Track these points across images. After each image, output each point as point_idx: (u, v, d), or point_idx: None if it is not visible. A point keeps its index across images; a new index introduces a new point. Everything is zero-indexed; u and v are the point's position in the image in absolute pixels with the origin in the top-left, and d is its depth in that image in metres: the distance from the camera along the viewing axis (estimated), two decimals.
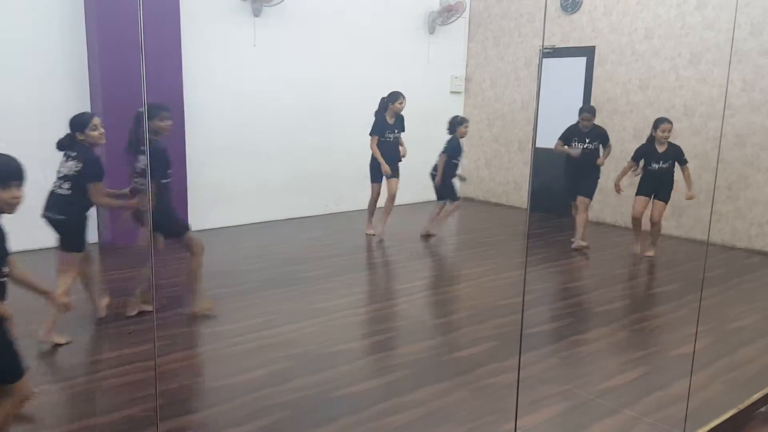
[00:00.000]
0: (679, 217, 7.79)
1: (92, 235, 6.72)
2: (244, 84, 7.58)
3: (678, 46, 7.65)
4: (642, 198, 6.66)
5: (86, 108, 6.58)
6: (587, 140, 6.97)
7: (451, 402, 3.53)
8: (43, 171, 4.64)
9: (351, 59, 8.53)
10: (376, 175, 7.18)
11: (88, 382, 3.70)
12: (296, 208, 8.32)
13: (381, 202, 7.30)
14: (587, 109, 7.10)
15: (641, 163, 6.66)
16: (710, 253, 7.10)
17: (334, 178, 8.58)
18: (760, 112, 7.03)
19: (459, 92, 10.08)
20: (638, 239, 6.86)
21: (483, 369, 3.95)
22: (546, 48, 9.05)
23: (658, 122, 6.54)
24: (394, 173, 7.18)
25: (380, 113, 7.13)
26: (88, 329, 4.51)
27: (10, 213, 2.68)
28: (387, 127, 7.12)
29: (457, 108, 10.11)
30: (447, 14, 9.25)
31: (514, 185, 9.67)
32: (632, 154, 6.75)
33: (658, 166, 6.51)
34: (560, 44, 8.83)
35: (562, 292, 5.67)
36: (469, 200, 10.19)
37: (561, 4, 8.75)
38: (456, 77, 9.96)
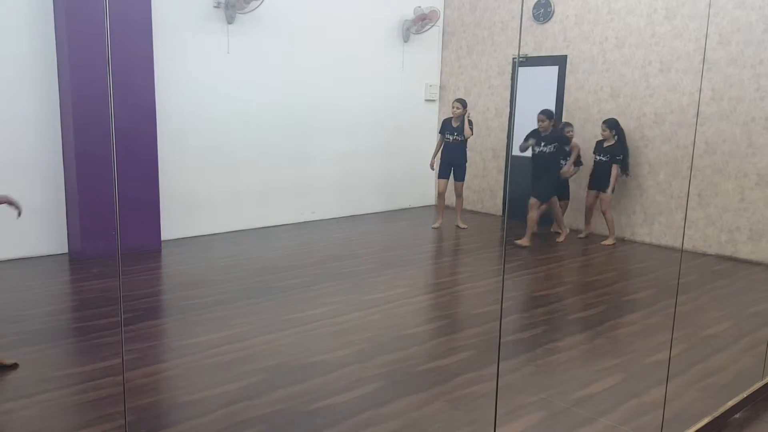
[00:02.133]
0: (651, 224, 7.88)
1: (62, 245, 6.62)
2: (218, 92, 7.52)
3: (648, 55, 7.76)
4: (593, 192, 7.85)
5: (56, 116, 6.47)
6: (543, 143, 7.46)
7: (429, 413, 3.50)
8: None
9: (325, 67, 8.50)
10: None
11: (56, 398, 3.61)
12: (271, 216, 8.26)
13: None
14: (542, 112, 7.48)
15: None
16: (682, 260, 7.19)
17: (310, 186, 8.54)
18: (729, 120, 7.14)
19: (434, 100, 10.10)
20: (586, 226, 8.12)
21: (460, 379, 3.93)
22: (519, 57, 9.11)
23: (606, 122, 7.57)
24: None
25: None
26: (58, 342, 4.41)
27: None
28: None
29: (432, 116, 10.15)
30: (421, 23, 9.28)
31: (489, 193, 9.71)
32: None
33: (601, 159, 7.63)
34: (533, 53, 8.90)
35: (538, 299, 5.68)
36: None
37: (533, 14, 8.82)
38: (430, 85, 9.99)
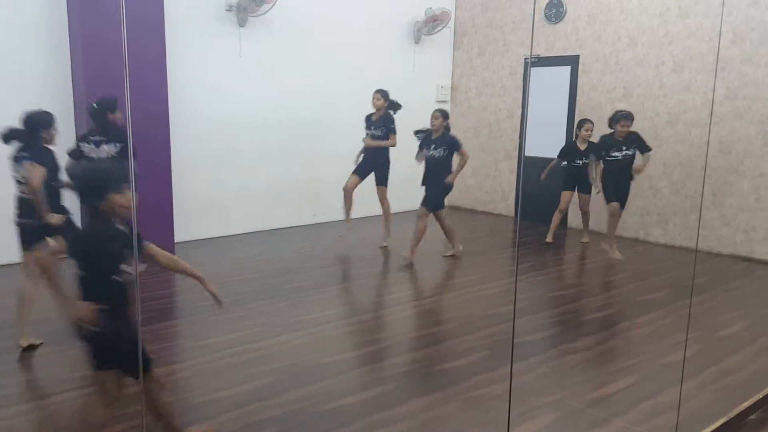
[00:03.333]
0: (665, 224, 7.83)
1: None
2: (230, 94, 7.55)
3: (661, 55, 7.71)
4: (568, 192, 7.64)
5: (71, 116, 6.53)
6: (433, 146, 6.69)
7: (442, 414, 3.50)
8: None
9: (336, 69, 8.52)
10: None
11: (74, 398, 3.64)
12: (283, 218, 8.28)
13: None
14: (437, 110, 6.85)
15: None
16: (696, 261, 7.14)
17: (321, 187, 8.55)
18: (744, 119, 7.09)
19: (445, 101, 10.09)
20: (553, 228, 7.75)
21: (473, 380, 3.93)
22: (531, 57, 9.09)
23: (581, 123, 7.47)
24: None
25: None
26: (74, 343, 4.44)
27: (125, 217, 2.72)
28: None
29: None
30: (432, 24, 9.28)
31: (501, 193, 9.69)
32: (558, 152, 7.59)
33: (582, 162, 7.40)
34: (545, 53, 8.88)
35: (551, 300, 5.66)
36: (456, 209, 10.19)
37: (545, 14, 8.80)
38: (442, 86, 9.98)
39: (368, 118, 7.34)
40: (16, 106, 6.18)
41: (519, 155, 9.28)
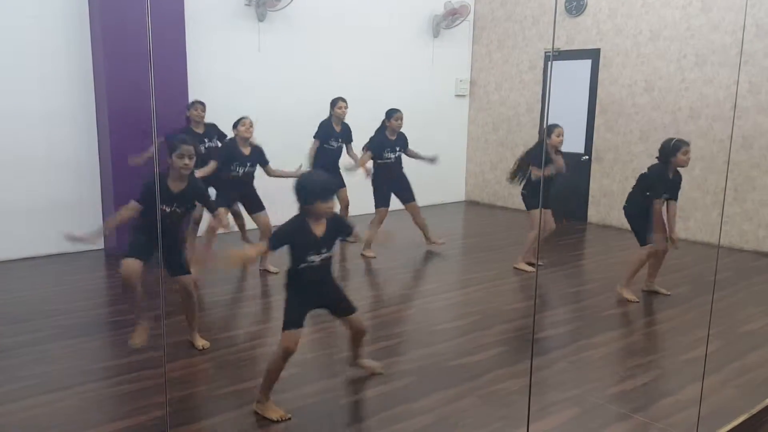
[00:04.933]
0: (687, 220, 7.75)
1: (98, 242, 6.73)
2: (249, 89, 7.58)
3: (683, 48, 7.63)
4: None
5: (91, 112, 6.60)
6: (389, 149, 6.65)
7: (460, 408, 3.50)
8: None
9: (355, 63, 8.52)
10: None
11: (93, 390, 3.69)
12: (291, 214, 8.28)
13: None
14: (398, 111, 6.68)
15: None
16: (718, 256, 7.05)
17: None
18: (767, 113, 6.99)
19: (464, 95, 10.06)
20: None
21: (491, 375, 3.92)
22: (551, 51, 9.03)
23: (551, 128, 6.33)
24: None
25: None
26: (94, 336, 4.50)
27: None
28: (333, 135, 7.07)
29: (462, 111, 10.11)
30: (451, 18, 9.24)
31: (520, 188, 9.62)
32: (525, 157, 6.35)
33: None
34: (565, 47, 8.81)
35: (570, 295, 5.63)
36: (474, 203, 10.17)
37: (565, 7, 8.73)
38: (461, 80, 9.95)
39: (329, 127, 7.06)
40: (39, 102, 6.30)
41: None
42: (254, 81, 7.63)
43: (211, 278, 5.96)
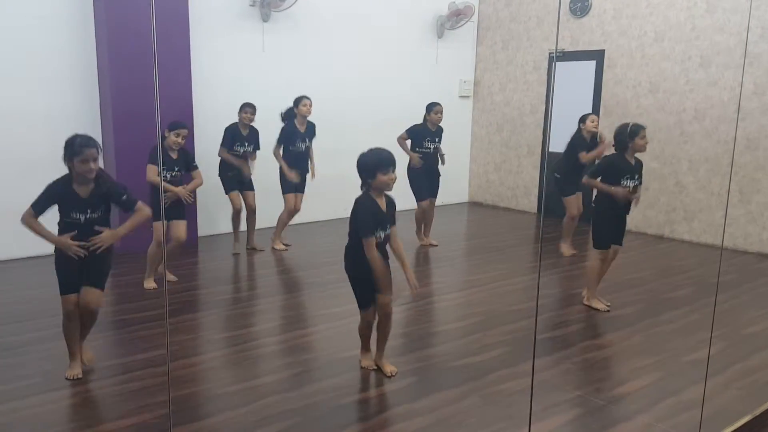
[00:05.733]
0: (691, 221, 7.74)
1: None
2: (253, 89, 7.58)
3: (688, 50, 7.62)
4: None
5: (96, 112, 6.62)
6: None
7: (463, 408, 3.50)
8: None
9: (360, 64, 8.53)
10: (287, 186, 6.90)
11: (98, 388, 3.70)
12: (306, 213, 8.30)
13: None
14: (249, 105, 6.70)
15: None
16: (722, 258, 7.04)
17: (344, 183, 8.52)
18: None
19: (468, 96, 10.06)
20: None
21: (494, 375, 3.92)
22: (556, 52, 9.02)
23: (584, 117, 6.83)
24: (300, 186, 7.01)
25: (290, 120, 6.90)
26: (98, 335, 4.51)
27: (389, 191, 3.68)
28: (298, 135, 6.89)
29: (466, 112, 10.11)
30: (456, 18, 9.25)
31: (523, 189, 9.64)
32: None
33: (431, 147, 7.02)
34: (569, 48, 8.81)
35: (573, 297, 5.63)
36: (478, 204, 10.17)
37: (570, 8, 8.72)
38: (465, 81, 9.95)
39: (423, 130, 7.04)
40: (43, 103, 6.32)
41: (543, 151, 9.22)
42: (258, 81, 7.64)
43: (211, 278, 5.99)
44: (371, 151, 3.62)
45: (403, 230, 7.41)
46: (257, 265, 6.22)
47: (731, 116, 7.30)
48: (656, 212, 8.01)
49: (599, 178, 4.99)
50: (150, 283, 5.46)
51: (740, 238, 7.34)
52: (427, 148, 7.01)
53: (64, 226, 3.70)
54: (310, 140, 7.00)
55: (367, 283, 3.70)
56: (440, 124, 7.08)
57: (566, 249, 6.96)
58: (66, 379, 3.73)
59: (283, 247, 7.04)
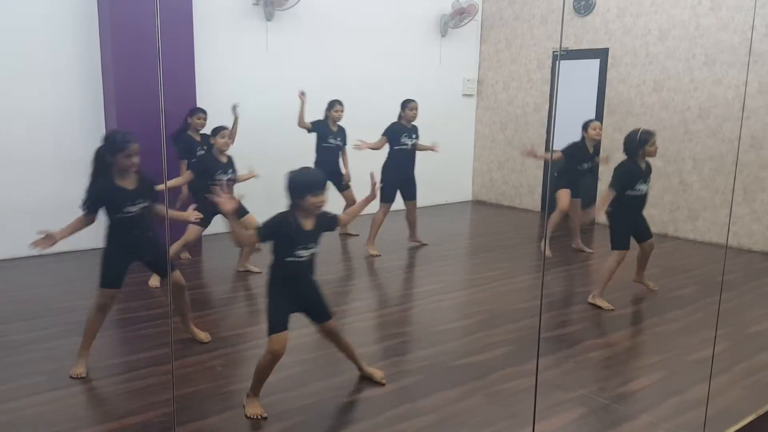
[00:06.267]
0: (695, 220, 7.72)
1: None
2: (257, 88, 7.59)
3: (692, 48, 7.59)
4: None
5: (99, 111, 6.63)
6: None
7: (466, 407, 3.50)
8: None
9: (363, 63, 8.53)
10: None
11: (102, 387, 3.71)
12: None
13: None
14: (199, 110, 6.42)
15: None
16: (726, 257, 7.03)
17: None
18: None
19: (471, 95, 10.05)
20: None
21: (497, 374, 3.92)
22: (560, 50, 9.01)
23: (404, 103, 6.81)
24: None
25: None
26: (102, 333, 4.52)
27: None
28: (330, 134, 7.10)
29: (469, 111, 10.10)
30: (459, 17, 9.23)
31: (527, 188, 9.63)
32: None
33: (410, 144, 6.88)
34: (573, 46, 8.79)
35: (577, 295, 5.62)
36: (481, 203, 10.16)
37: (574, 6, 8.71)
38: (468, 80, 9.94)
39: (399, 127, 6.92)
40: (48, 102, 6.33)
41: (547, 149, 9.20)
42: (262, 80, 7.65)
43: (214, 277, 5.99)
44: (302, 171, 3.38)
45: (398, 231, 7.42)
46: (259, 265, 6.21)
47: (736, 115, 7.28)
48: (660, 211, 7.99)
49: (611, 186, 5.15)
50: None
51: (745, 237, 7.32)
52: (404, 144, 6.82)
53: (116, 222, 3.85)
54: (343, 142, 7.12)
55: (286, 306, 3.39)
56: (414, 123, 6.94)
57: (548, 249, 6.84)
58: (70, 377, 3.74)
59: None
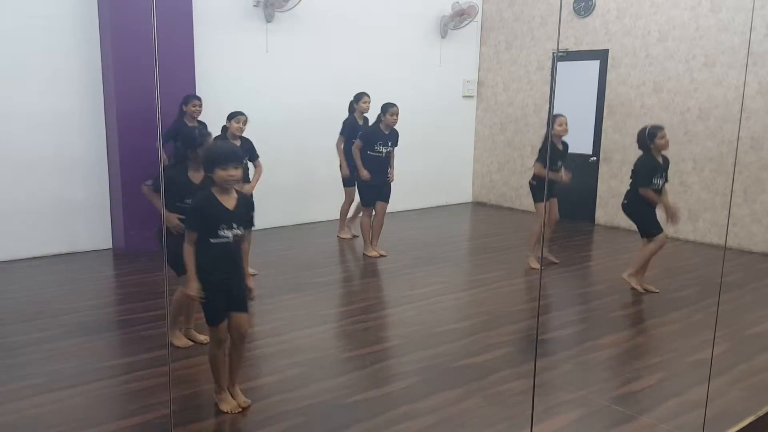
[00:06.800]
0: (695, 221, 7.72)
1: (106, 241, 6.78)
2: (257, 89, 7.60)
3: (692, 49, 7.59)
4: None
5: (100, 112, 6.63)
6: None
7: (465, 409, 3.50)
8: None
9: (363, 64, 8.53)
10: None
11: (101, 388, 3.71)
12: (308, 214, 8.31)
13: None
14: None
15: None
16: (726, 258, 7.03)
17: None
18: None
19: (471, 96, 10.05)
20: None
21: (496, 375, 3.91)
22: (559, 51, 9.01)
23: (385, 107, 6.53)
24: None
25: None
26: (102, 334, 4.52)
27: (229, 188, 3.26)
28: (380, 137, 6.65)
29: (469, 112, 10.10)
30: (459, 18, 9.24)
31: (527, 190, 9.59)
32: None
33: (386, 151, 6.59)
34: (573, 48, 8.79)
35: (576, 297, 5.62)
36: (481, 204, 10.16)
37: (574, 8, 8.71)
38: (468, 81, 9.94)
39: (375, 133, 6.65)
40: (48, 103, 6.34)
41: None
42: (262, 81, 7.65)
43: None
44: (215, 143, 3.33)
45: (398, 232, 7.44)
46: (259, 266, 6.21)
47: (736, 116, 7.27)
48: (660, 212, 7.96)
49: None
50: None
51: (745, 238, 7.32)
52: (378, 152, 6.54)
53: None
54: (393, 145, 6.67)
55: (217, 293, 3.27)
56: (395, 127, 6.62)
57: (534, 261, 6.44)
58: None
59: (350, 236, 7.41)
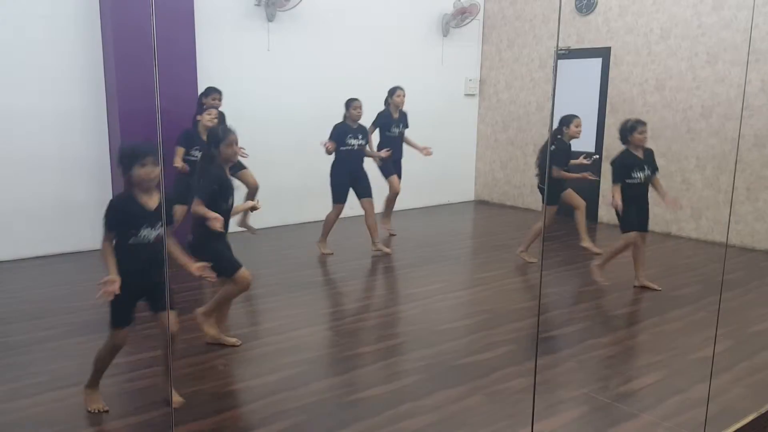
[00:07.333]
0: (698, 219, 7.71)
1: None
2: (258, 88, 7.60)
3: (695, 46, 7.58)
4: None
5: (102, 112, 6.64)
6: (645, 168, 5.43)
7: (467, 406, 3.50)
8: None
9: (365, 63, 8.53)
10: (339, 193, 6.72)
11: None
12: (310, 212, 8.31)
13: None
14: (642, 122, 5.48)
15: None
16: (729, 256, 7.02)
17: None
18: None
19: (473, 95, 10.05)
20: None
21: (498, 373, 3.92)
22: (561, 49, 9.00)
23: (391, 90, 7.28)
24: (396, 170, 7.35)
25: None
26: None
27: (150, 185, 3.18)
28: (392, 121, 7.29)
29: (471, 111, 10.10)
30: (461, 17, 9.23)
31: (529, 188, 9.61)
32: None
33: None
34: (575, 45, 8.78)
35: (579, 295, 5.62)
36: (484, 203, 10.15)
37: (576, 5, 8.70)
38: (470, 80, 9.93)
39: (387, 116, 7.36)
40: (50, 102, 6.35)
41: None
42: (264, 80, 7.66)
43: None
44: (129, 143, 3.29)
45: (399, 230, 7.44)
46: (260, 264, 6.22)
47: (738, 113, 7.25)
48: (663, 210, 7.96)
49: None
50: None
51: (748, 236, 7.31)
52: (350, 145, 6.62)
53: (220, 210, 3.95)
54: (404, 127, 7.36)
55: (130, 295, 3.20)
56: (403, 110, 7.30)
57: (528, 256, 6.56)
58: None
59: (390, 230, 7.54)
